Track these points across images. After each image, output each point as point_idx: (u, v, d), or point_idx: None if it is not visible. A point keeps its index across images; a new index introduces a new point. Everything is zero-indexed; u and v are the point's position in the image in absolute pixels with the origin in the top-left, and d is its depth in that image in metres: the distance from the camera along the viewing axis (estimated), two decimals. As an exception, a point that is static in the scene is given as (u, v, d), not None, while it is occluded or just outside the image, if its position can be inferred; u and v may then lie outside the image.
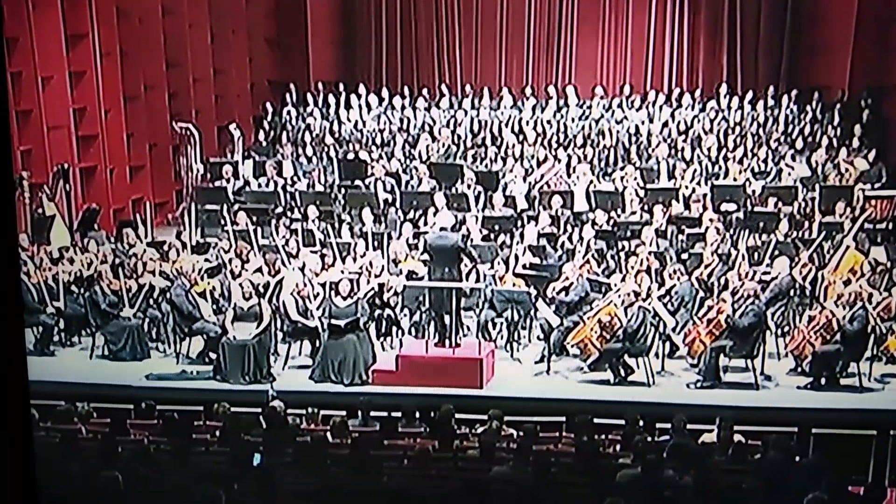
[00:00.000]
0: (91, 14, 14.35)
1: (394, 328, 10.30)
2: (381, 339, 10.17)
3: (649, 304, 9.40)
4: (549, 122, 16.12)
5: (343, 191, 13.56)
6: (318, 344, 9.73)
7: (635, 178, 13.47)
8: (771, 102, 16.29)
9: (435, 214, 12.30)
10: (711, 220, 11.81)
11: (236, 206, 12.91)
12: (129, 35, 15.26)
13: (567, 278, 10.20)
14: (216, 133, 17.07)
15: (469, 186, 13.12)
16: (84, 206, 13.83)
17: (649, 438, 7.59)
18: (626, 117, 16.08)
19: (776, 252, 10.66)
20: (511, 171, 14.03)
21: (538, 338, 10.16)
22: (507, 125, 16.10)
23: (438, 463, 7.11)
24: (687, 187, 13.31)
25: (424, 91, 17.53)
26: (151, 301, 10.50)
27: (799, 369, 9.45)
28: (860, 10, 16.40)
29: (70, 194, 13.54)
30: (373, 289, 10.15)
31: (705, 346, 9.27)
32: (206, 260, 11.27)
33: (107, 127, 14.82)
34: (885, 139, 15.55)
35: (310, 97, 17.41)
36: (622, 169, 14.14)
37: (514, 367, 9.91)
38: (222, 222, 12.63)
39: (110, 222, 14.23)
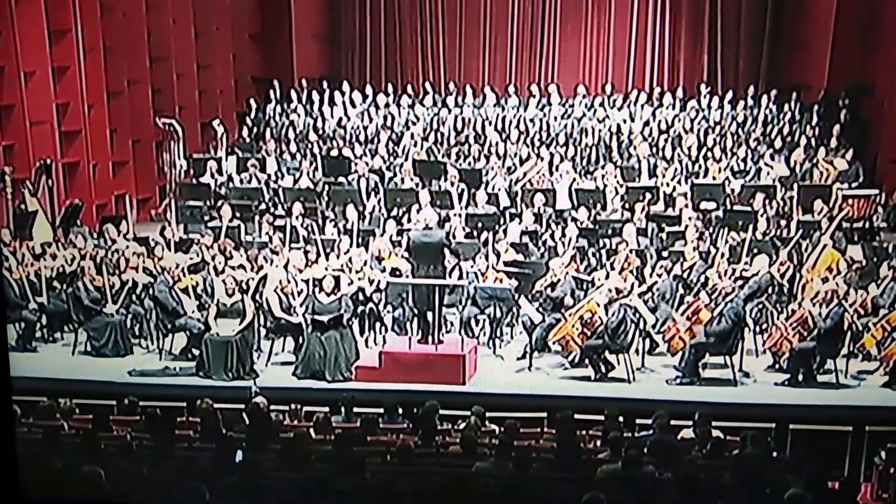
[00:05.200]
0: (74, 9, 14.29)
1: (377, 325, 10.35)
2: (365, 335, 10.22)
3: (630, 301, 9.50)
4: (531, 120, 16.21)
5: (327, 187, 13.59)
6: (301, 340, 9.75)
7: (616, 177, 13.59)
8: (750, 102, 16.44)
9: (419, 212, 12.36)
10: (691, 219, 11.94)
11: (220, 203, 12.91)
12: (112, 30, 15.20)
13: (555, 274, 10.28)
14: (200, 129, 17.02)
15: (452, 184, 13.19)
16: (66, 201, 13.78)
17: (629, 434, 7.68)
18: (607, 116, 16.19)
19: (755, 250, 10.79)
20: (494, 168, 14.11)
21: (520, 334, 10.24)
22: (490, 123, 16.18)
23: (421, 458, 7.16)
24: (668, 185, 13.44)
25: (408, 88, 17.58)
26: (134, 297, 10.48)
27: (777, 366, 9.57)
28: (839, 10, 16.56)
29: (52, 190, 13.49)
30: (356, 285, 10.19)
31: (685, 342, 9.39)
32: (189, 256, 11.27)
33: (90, 122, 14.76)
34: (863, 139, 15.73)
35: (294, 94, 17.40)
36: (604, 167, 14.26)
37: (496, 363, 9.98)
38: (205, 218, 12.63)
39: (93, 218, 14.17)
